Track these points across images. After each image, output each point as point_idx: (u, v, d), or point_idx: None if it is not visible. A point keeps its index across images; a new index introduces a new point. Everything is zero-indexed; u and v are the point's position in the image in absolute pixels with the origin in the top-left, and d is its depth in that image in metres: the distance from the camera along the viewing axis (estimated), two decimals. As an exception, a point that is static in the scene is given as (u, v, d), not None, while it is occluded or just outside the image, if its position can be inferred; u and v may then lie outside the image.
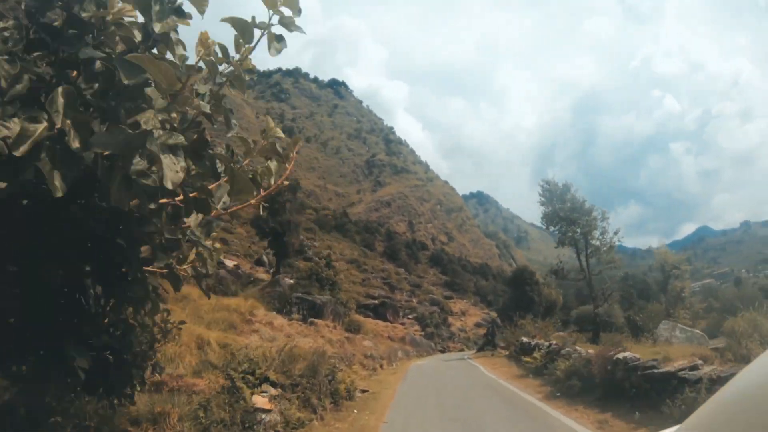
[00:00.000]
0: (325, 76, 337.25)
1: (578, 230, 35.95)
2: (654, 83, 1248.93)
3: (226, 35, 2.83)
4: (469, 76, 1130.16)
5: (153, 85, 2.44)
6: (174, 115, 2.53)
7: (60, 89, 2.17)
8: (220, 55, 2.72)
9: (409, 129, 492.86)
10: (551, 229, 37.58)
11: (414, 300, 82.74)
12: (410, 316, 67.37)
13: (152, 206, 2.52)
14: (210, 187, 2.93)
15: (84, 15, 2.48)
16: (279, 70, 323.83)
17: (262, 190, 3.20)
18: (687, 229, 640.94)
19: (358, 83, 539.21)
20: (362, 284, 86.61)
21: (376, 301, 63.58)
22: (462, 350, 59.79)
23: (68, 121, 2.17)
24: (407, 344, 47.82)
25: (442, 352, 56.13)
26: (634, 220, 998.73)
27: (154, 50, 2.66)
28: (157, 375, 5.89)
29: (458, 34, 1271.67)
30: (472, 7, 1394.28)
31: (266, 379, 10.99)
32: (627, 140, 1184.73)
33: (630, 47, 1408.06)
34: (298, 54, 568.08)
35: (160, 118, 2.35)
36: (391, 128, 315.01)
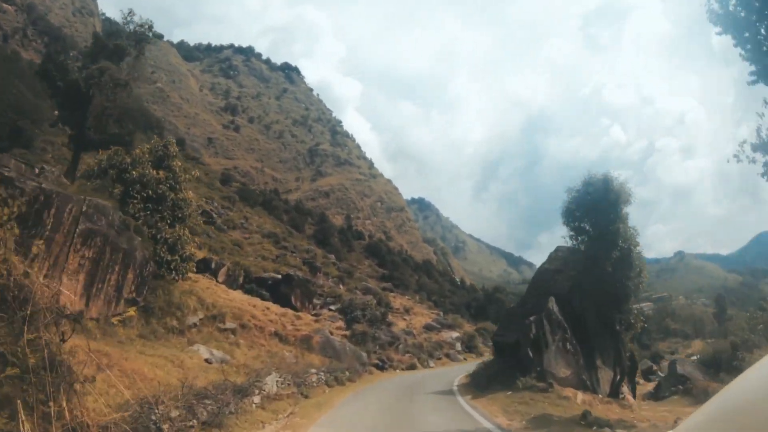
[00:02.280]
0: (278, 61, 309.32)
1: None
2: (603, 111, 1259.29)
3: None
4: (424, 83, 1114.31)
5: None
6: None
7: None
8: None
9: (357, 127, 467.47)
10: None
11: (342, 287, 57.35)
12: (333, 307, 41.99)
13: None
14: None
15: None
16: (231, 46, 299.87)
17: None
18: None
19: (311, 75, 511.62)
20: (275, 260, 61.20)
21: (278, 276, 38.05)
22: (413, 367, 35.29)
23: None
24: (316, 351, 22.55)
25: (381, 368, 31.17)
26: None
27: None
28: None
29: (418, 42, 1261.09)
30: (435, 18, 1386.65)
31: None
32: (571, 163, 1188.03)
33: (585, 74, 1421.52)
34: (256, 38, 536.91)
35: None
36: (340, 122, 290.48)
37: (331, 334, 27.94)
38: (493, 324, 74.69)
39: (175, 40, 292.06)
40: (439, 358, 41.99)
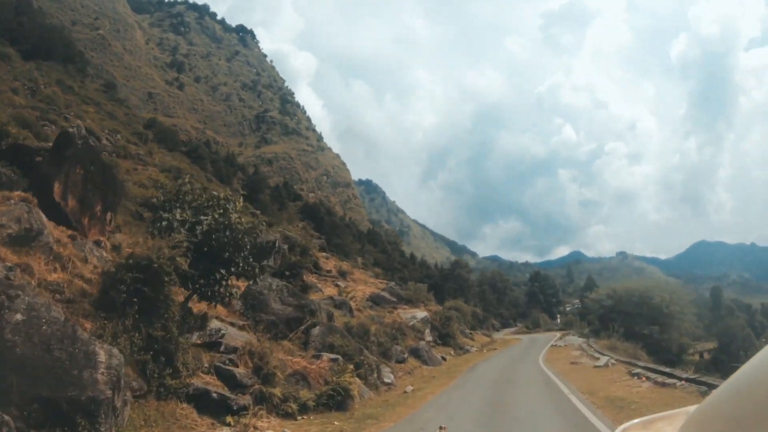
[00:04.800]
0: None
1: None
2: (557, 111, 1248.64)
3: None
4: (380, 67, 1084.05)
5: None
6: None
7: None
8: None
9: (309, 103, 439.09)
10: None
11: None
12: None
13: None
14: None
15: None
16: (185, 1, 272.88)
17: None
18: (560, 252, 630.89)
19: (267, 45, 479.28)
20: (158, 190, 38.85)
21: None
22: (340, 402, 12.31)
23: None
24: None
25: (228, 412, 9.46)
26: (513, 235, 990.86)
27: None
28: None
29: (378, 26, 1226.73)
30: (396, 4, 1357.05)
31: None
32: (519, 158, 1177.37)
33: (542, 72, 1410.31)
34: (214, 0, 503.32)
35: None
36: (292, 92, 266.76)
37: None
38: (467, 303, 55.53)
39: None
40: (402, 361, 21.53)
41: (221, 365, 10.33)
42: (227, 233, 10.49)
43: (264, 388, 10.35)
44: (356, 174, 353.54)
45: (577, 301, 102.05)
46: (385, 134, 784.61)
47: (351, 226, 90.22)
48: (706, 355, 55.23)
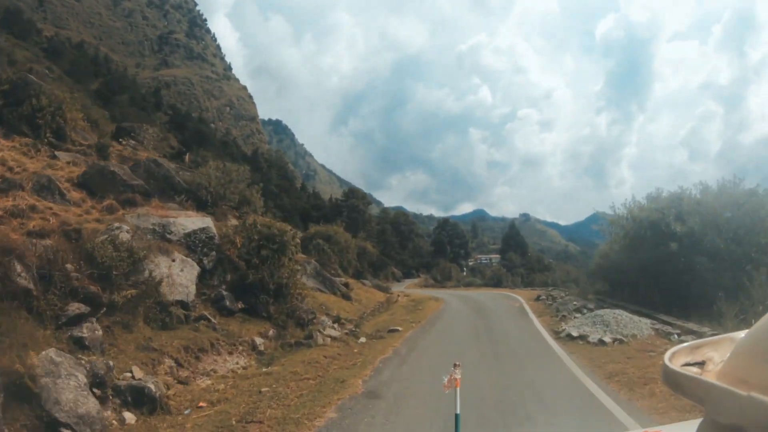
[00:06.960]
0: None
1: None
2: (476, 71, 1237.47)
3: None
4: (302, 4, 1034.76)
5: None
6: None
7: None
8: None
9: (225, 36, 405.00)
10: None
11: None
12: None
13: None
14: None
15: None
16: None
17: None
18: (465, 208, 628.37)
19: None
20: None
21: None
22: None
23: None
24: None
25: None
26: (419, 188, 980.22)
27: None
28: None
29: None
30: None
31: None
32: (433, 113, 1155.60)
33: (466, 31, 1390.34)
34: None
35: None
36: (204, 18, 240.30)
37: None
38: (355, 232, 43.64)
39: None
40: None
41: None
42: None
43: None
44: (266, 113, 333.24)
45: (486, 256, 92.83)
46: (300, 75, 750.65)
47: (231, 144, 74.89)
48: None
